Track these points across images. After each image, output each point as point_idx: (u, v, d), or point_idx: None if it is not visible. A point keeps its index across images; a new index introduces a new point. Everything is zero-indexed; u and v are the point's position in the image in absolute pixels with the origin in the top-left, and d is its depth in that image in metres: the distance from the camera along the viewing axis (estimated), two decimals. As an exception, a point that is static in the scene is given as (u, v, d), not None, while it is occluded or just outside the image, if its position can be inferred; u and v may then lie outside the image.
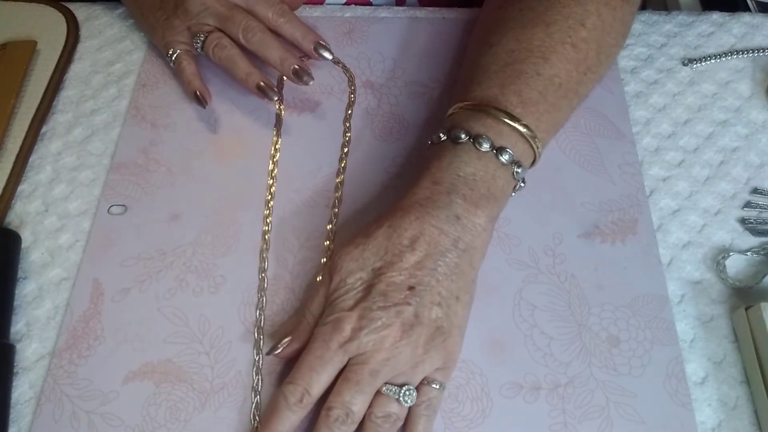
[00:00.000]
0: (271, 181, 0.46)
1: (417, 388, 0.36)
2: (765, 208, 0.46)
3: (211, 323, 0.41)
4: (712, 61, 0.53)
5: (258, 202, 0.46)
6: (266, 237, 0.44)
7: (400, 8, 0.56)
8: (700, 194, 0.47)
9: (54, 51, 0.52)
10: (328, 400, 0.35)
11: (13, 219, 0.45)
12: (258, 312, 0.41)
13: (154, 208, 0.45)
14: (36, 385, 0.39)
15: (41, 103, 0.49)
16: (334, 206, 0.45)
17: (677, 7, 0.68)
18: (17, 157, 0.47)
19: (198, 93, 0.48)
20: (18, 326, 0.41)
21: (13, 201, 0.46)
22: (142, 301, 0.42)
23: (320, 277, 0.41)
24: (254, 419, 0.38)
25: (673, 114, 0.50)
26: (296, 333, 0.38)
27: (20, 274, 0.43)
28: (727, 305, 0.42)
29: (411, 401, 0.36)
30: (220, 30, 0.49)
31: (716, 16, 0.56)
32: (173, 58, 0.49)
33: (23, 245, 0.44)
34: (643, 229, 0.44)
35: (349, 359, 0.36)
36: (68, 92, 0.51)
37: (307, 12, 0.55)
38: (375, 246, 0.37)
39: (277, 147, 0.48)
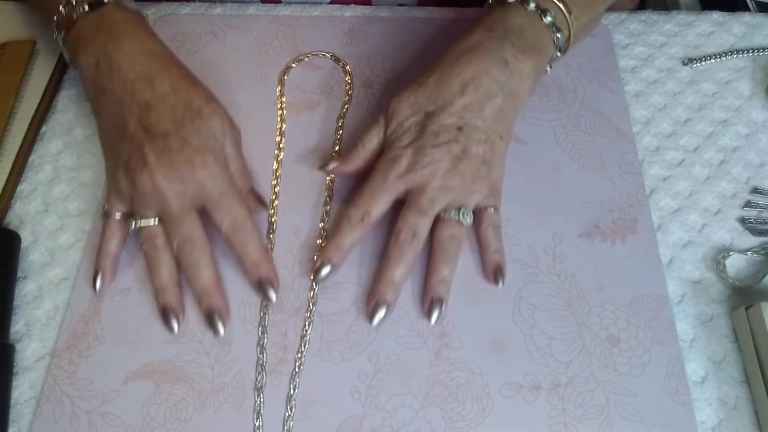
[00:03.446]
0: (275, 181, 0.46)
1: (476, 214, 0.42)
2: (765, 208, 0.46)
3: (211, 323, 0.41)
4: (712, 60, 0.53)
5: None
6: (270, 236, 0.44)
7: (400, 8, 0.56)
8: (700, 194, 0.47)
9: (54, 51, 0.52)
10: (395, 227, 0.41)
11: (13, 219, 0.45)
12: (262, 312, 0.41)
13: (154, 208, 0.45)
14: (36, 385, 0.39)
15: (41, 103, 0.49)
16: (325, 204, 0.45)
17: (677, 7, 0.67)
18: (17, 157, 0.47)
19: (98, 278, 0.41)
20: (18, 326, 0.41)
21: (13, 201, 0.46)
22: (142, 301, 0.42)
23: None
24: (256, 419, 0.38)
25: (674, 113, 0.50)
26: (347, 157, 0.43)
27: (20, 274, 0.43)
28: (727, 305, 0.42)
29: (469, 220, 0.41)
30: (161, 222, 0.41)
31: (716, 15, 0.56)
32: (102, 217, 0.42)
33: (23, 245, 0.44)
34: (643, 229, 0.44)
35: (408, 192, 0.41)
36: (68, 92, 0.51)
37: (307, 12, 0.55)
38: (427, 92, 0.42)
39: (281, 146, 0.48)
